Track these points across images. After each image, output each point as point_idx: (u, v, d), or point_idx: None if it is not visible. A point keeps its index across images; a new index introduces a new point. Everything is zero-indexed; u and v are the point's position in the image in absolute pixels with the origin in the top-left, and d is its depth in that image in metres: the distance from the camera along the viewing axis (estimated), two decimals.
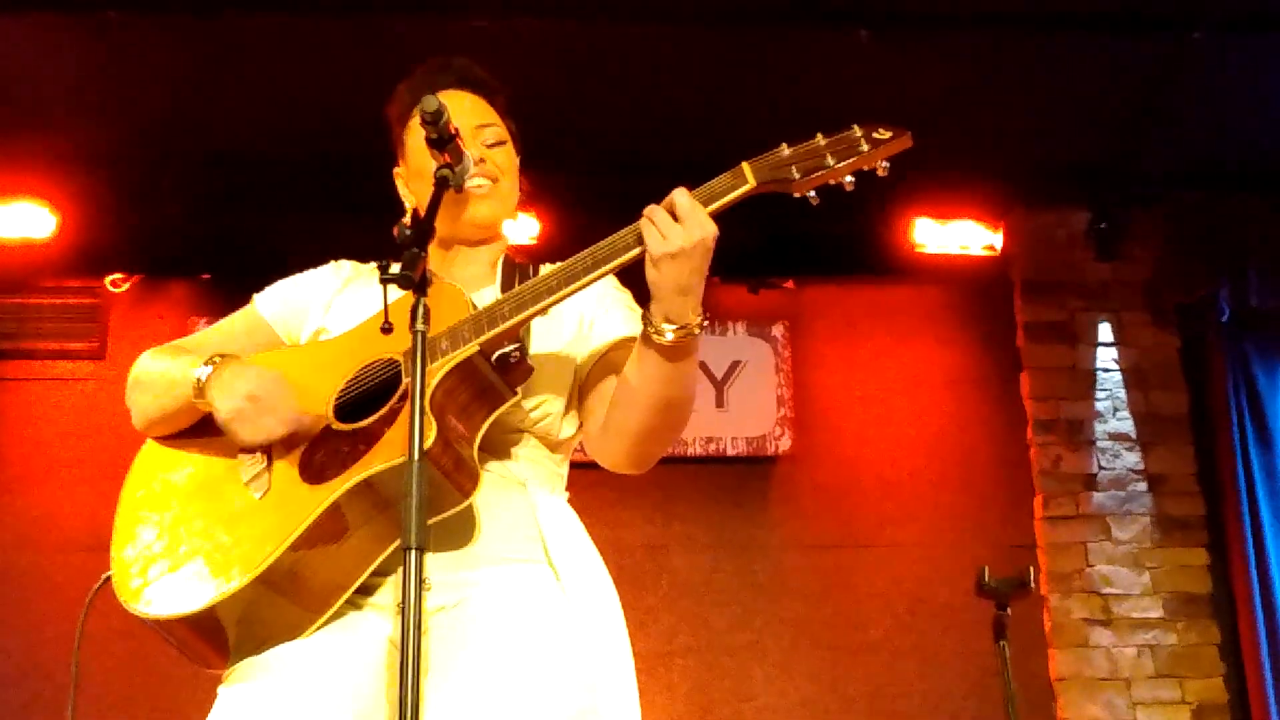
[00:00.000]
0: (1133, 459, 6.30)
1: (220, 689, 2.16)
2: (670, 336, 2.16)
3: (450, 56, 2.60)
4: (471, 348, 2.16)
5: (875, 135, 2.19)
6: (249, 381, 2.25)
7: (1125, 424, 6.34)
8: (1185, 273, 6.44)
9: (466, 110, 2.49)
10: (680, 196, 2.15)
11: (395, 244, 2.03)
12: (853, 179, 2.21)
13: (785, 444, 6.25)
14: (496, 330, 2.17)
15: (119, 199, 5.98)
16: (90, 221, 5.98)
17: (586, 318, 2.44)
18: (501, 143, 2.53)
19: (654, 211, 2.15)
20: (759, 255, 6.24)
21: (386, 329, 2.07)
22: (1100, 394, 6.37)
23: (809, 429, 6.35)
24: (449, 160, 2.22)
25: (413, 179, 2.54)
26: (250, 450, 2.28)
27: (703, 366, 6.30)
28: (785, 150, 2.20)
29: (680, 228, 2.12)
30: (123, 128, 5.72)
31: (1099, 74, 5.50)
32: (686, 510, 6.21)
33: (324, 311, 2.49)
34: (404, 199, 2.59)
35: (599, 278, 2.19)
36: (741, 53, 5.35)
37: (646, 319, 2.19)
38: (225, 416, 2.24)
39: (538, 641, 2.15)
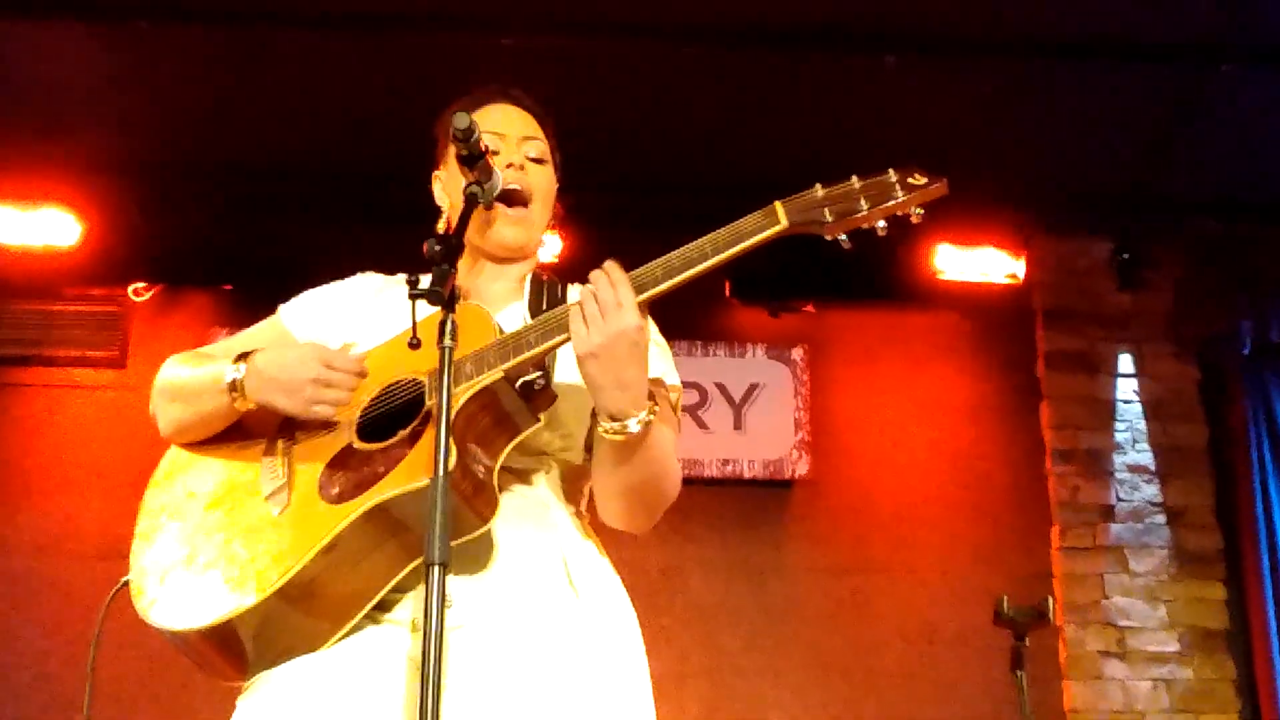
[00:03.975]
0: (1151, 491, 6.28)
1: (239, 700, 2.17)
2: (619, 436, 2.13)
3: (509, 85, 2.60)
4: (496, 374, 2.14)
5: (910, 180, 2.16)
6: (293, 365, 2.26)
7: (1144, 456, 6.32)
8: (1207, 305, 6.43)
9: (515, 121, 2.51)
10: (603, 288, 2.11)
11: (422, 258, 2.02)
12: (885, 224, 2.18)
13: (803, 467, 6.25)
14: (522, 357, 2.15)
15: (143, 208, 6.03)
16: (114, 230, 6.02)
17: None
18: (543, 161, 2.52)
19: (585, 300, 2.10)
20: (779, 279, 6.24)
21: (414, 344, 2.07)
22: (1120, 425, 6.35)
23: (827, 453, 6.34)
24: (478, 177, 2.23)
25: (450, 183, 2.54)
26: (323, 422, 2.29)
27: (721, 388, 6.30)
28: (819, 191, 2.18)
29: (601, 322, 2.08)
30: (149, 137, 5.76)
31: (1125, 103, 5.51)
32: (702, 532, 6.20)
33: (351, 325, 2.48)
34: (438, 201, 2.60)
35: None
36: (767, 75, 5.36)
37: (594, 415, 2.17)
38: (303, 414, 2.26)
39: (557, 661, 2.14)
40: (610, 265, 2.12)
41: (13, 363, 6.23)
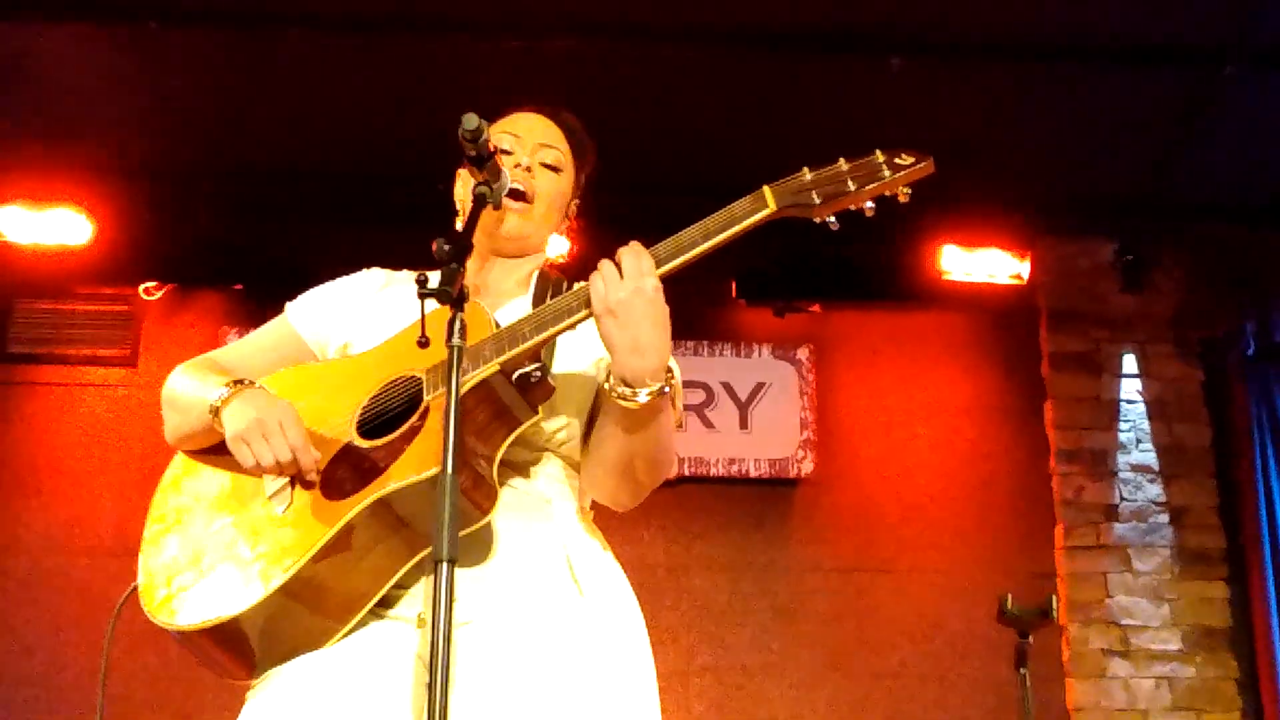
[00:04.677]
0: (1154, 491, 6.29)
1: (248, 695, 2.19)
2: (625, 401, 2.15)
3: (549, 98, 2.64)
4: (492, 367, 2.15)
5: (897, 161, 2.18)
6: (257, 407, 2.25)
7: (1148, 456, 6.33)
8: (1210, 306, 6.44)
9: (535, 127, 2.55)
10: (625, 250, 2.14)
11: (429, 257, 2.05)
12: (873, 205, 2.20)
13: (808, 467, 6.27)
14: (517, 350, 2.16)
15: (154, 208, 6.06)
16: (126, 230, 6.05)
17: None
18: (557, 169, 2.55)
19: (603, 264, 2.14)
20: (785, 279, 6.26)
21: (423, 343, 2.08)
22: (1123, 425, 6.36)
23: (832, 452, 6.36)
24: (487, 178, 2.25)
25: (467, 186, 2.56)
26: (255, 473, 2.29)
27: (727, 387, 6.33)
28: (807, 175, 2.19)
29: (619, 281, 2.11)
30: (160, 138, 5.78)
31: (1129, 106, 5.51)
32: (708, 530, 6.22)
33: (355, 321, 2.50)
34: (457, 199, 2.64)
35: None
36: (773, 77, 5.37)
37: (607, 377, 2.18)
38: (229, 438, 2.25)
39: (561, 657, 2.15)
40: (634, 243, 2.16)
41: (25, 361, 6.27)
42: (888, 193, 2.20)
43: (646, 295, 2.11)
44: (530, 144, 2.51)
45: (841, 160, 2.21)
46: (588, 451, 2.38)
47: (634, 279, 2.11)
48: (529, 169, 2.49)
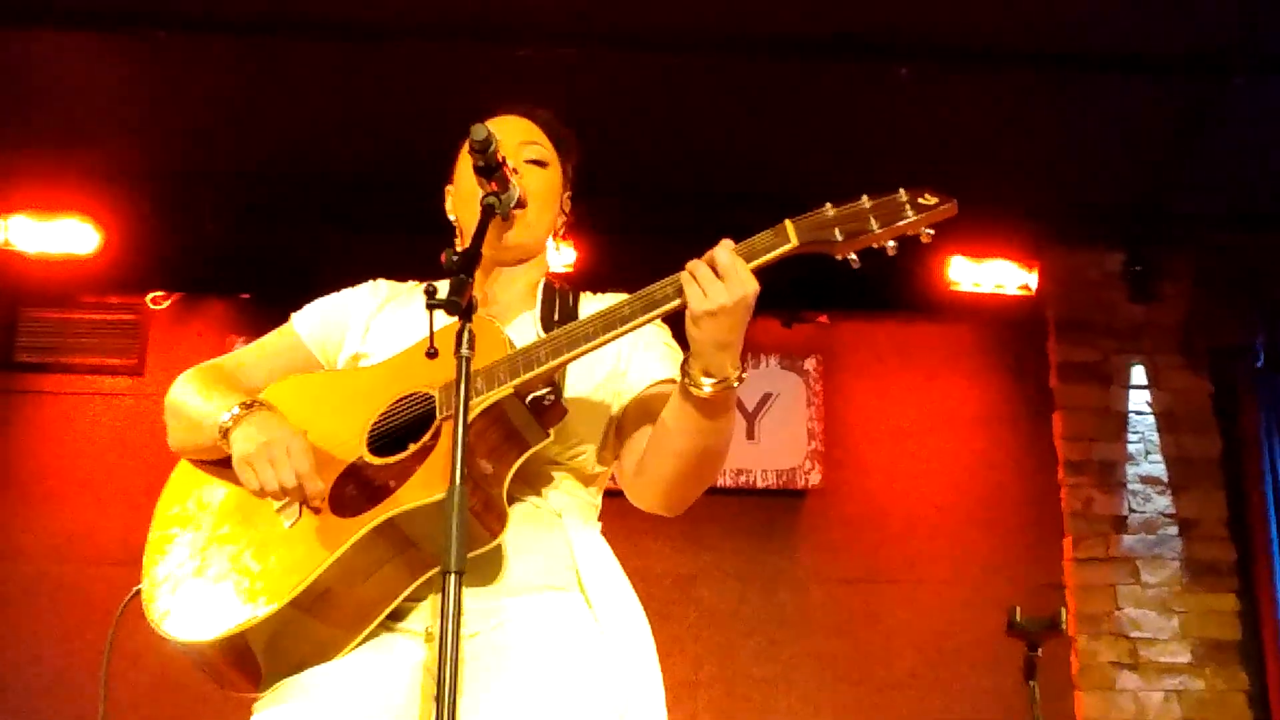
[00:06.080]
0: (1164, 502, 6.27)
1: (255, 708, 2.18)
2: (708, 390, 2.14)
3: (534, 104, 2.61)
4: (506, 390, 2.14)
5: (921, 201, 2.14)
6: (267, 432, 2.24)
7: (1157, 467, 6.31)
8: (1219, 316, 6.42)
9: (512, 128, 2.51)
10: (722, 253, 2.11)
11: (439, 267, 2.03)
12: (895, 243, 2.16)
13: (815, 478, 6.25)
14: (532, 374, 2.15)
15: (161, 217, 6.05)
16: (132, 239, 6.04)
17: (624, 356, 2.43)
18: (543, 164, 2.52)
19: (696, 266, 2.11)
20: (793, 289, 6.21)
21: (432, 354, 2.08)
22: (1132, 436, 6.35)
23: (839, 463, 6.34)
24: (495, 188, 2.24)
25: (459, 199, 2.54)
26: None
27: None
28: (829, 211, 2.17)
29: (722, 285, 2.09)
30: (167, 146, 5.79)
31: (1137, 115, 5.51)
32: (715, 541, 6.21)
33: (362, 332, 2.49)
34: (450, 215, 2.60)
35: (637, 328, 2.18)
36: (780, 85, 5.37)
37: (685, 370, 2.17)
38: (236, 460, 2.24)
39: (570, 668, 2.15)
40: (725, 241, 2.14)
41: (31, 370, 6.27)
42: (910, 233, 2.16)
43: (749, 301, 2.10)
44: (511, 144, 2.46)
45: (865, 197, 2.18)
46: (644, 457, 2.35)
47: (739, 285, 2.09)
48: (515, 170, 2.44)
